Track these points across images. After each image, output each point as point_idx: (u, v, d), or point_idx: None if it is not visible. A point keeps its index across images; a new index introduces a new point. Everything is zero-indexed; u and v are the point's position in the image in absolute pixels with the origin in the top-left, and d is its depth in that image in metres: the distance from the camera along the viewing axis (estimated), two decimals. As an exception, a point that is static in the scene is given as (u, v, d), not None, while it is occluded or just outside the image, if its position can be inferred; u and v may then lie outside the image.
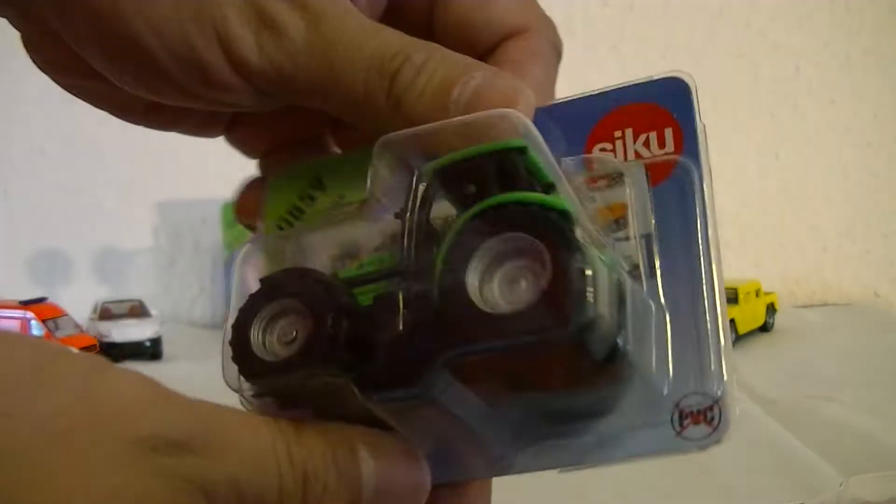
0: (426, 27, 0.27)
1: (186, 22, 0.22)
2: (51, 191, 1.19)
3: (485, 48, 0.26)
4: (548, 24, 0.27)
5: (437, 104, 0.21)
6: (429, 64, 0.21)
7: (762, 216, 1.25)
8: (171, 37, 0.22)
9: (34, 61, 0.26)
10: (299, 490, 0.20)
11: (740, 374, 0.79)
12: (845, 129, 1.25)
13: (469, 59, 0.22)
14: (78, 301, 0.99)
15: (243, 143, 0.30)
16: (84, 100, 0.27)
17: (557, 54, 0.27)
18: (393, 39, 0.22)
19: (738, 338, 0.92)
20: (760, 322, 0.97)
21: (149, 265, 1.22)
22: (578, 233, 0.19)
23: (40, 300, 0.86)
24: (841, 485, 0.51)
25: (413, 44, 0.22)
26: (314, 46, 0.22)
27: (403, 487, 0.22)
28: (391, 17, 0.26)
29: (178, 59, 0.22)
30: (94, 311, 0.98)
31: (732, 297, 0.94)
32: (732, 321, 0.91)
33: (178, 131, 0.29)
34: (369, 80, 0.22)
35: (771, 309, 1.00)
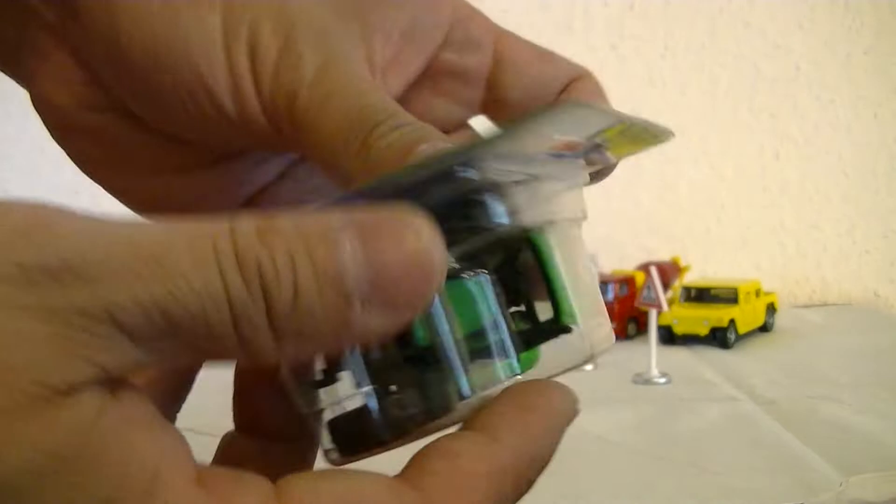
0: (488, 87, 0.28)
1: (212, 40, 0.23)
2: (51, 191, 1.19)
3: (551, 98, 0.27)
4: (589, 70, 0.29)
5: (401, 155, 0.21)
6: (406, 125, 0.22)
7: (762, 216, 1.25)
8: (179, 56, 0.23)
9: (37, 106, 0.26)
10: (258, 299, 0.15)
11: (740, 374, 0.79)
12: (845, 129, 1.25)
13: (439, 133, 0.22)
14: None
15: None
16: (84, 148, 0.27)
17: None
18: (385, 101, 0.23)
19: (739, 338, 0.92)
20: (760, 322, 0.97)
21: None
22: None
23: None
24: (841, 485, 0.51)
25: (400, 109, 0.23)
26: (321, 84, 0.23)
27: (403, 267, 0.16)
28: (450, 77, 0.27)
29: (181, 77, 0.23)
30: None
31: (732, 297, 0.94)
32: (732, 321, 0.91)
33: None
34: (352, 127, 0.22)
35: (771, 309, 1.00)
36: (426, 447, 0.19)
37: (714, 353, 0.89)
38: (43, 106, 0.25)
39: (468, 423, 0.19)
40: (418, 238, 0.16)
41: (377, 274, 0.16)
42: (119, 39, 0.23)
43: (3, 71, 0.26)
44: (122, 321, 0.15)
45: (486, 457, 0.18)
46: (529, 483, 0.19)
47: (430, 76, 0.27)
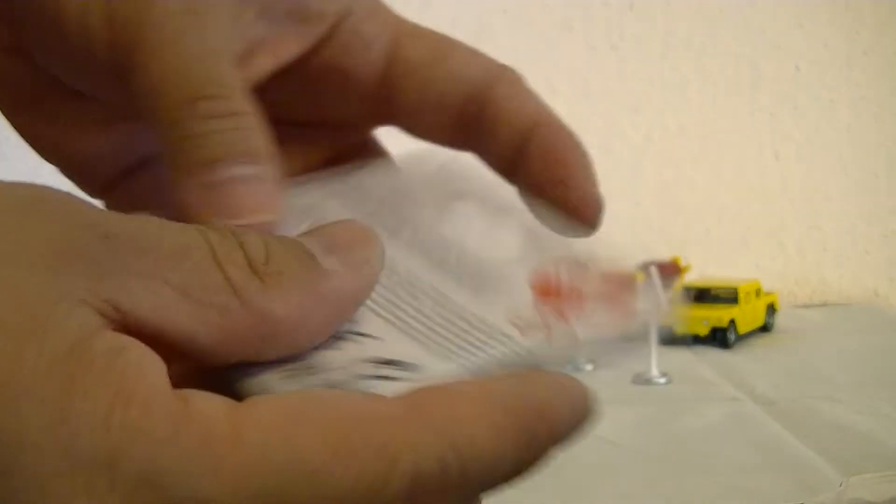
0: (381, 89, 0.25)
1: None
2: (51, 191, 1.19)
3: (451, 106, 0.25)
4: (509, 68, 0.26)
5: (202, 163, 0.20)
6: (227, 124, 0.21)
7: (762, 216, 1.25)
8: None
9: None
10: (236, 249, 0.17)
11: (740, 374, 0.79)
12: (845, 129, 1.25)
13: (253, 146, 0.21)
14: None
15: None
16: None
17: None
18: (226, 77, 0.21)
19: (739, 338, 0.92)
20: (760, 322, 0.97)
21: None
22: None
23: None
24: (841, 485, 0.51)
25: (235, 93, 0.21)
26: (168, 26, 0.21)
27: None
28: (335, 75, 0.25)
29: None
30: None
31: (732, 297, 0.94)
32: (732, 321, 0.91)
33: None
34: (182, 87, 0.21)
35: (771, 309, 1.00)
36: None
37: (714, 353, 0.89)
38: None
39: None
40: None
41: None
42: None
43: None
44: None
45: (483, 393, 0.17)
46: (540, 445, 0.18)
47: (315, 71, 0.25)
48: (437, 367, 0.19)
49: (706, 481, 0.55)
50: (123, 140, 0.25)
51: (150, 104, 0.21)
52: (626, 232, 1.22)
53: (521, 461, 0.17)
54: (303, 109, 0.26)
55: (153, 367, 0.15)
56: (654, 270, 0.80)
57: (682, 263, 1.08)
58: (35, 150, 0.26)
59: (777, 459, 0.57)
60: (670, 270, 1.04)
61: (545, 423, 0.18)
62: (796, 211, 1.25)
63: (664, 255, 1.14)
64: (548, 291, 0.22)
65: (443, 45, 0.25)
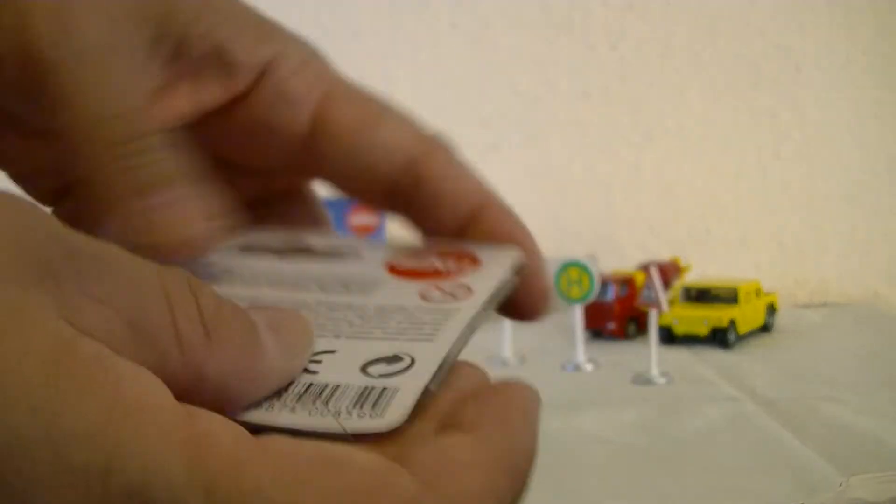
0: (306, 149, 0.25)
1: None
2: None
3: (378, 173, 0.25)
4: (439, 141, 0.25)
5: (136, 210, 0.21)
6: (159, 168, 0.21)
7: (762, 216, 1.25)
8: None
9: None
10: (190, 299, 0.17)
11: (740, 375, 0.79)
12: (845, 129, 1.25)
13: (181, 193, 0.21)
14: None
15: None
16: None
17: None
18: (149, 121, 0.21)
19: (739, 338, 0.92)
20: (760, 322, 0.97)
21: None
22: None
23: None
24: (841, 485, 0.51)
25: (154, 136, 0.21)
26: (92, 54, 0.21)
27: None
28: (260, 130, 0.25)
29: None
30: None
31: (732, 297, 0.94)
32: (732, 321, 0.91)
33: None
34: (109, 125, 0.21)
35: (771, 309, 1.00)
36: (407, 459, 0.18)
37: (714, 353, 0.89)
38: None
39: (449, 422, 0.19)
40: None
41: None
42: None
43: None
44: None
45: (476, 449, 0.18)
46: (524, 475, 0.19)
47: (239, 122, 0.25)
48: (420, 351, 0.20)
49: (706, 481, 0.55)
50: (59, 156, 0.24)
51: (69, 142, 0.21)
52: (627, 232, 1.23)
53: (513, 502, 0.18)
54: (233, 152, 0.26)
55: (146, 377, 0.15)
56: (654, 270, 0.80)
57: (682, 263, 1.08)
58: None
59: (777, 459, 0.57)
60: (670, 270, 1.04)
61: (529, 463, 0.19)
62: (796, 211, 1.25)
63: (664, 255, 1.14)
64: (411, 273, 0.24)
65: (373, 111, 0.25)
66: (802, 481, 0.53)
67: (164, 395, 0.15)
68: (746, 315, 0.94)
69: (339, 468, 0.15)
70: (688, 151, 1.24)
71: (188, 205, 0.21)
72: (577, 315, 0.85)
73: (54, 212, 0.26)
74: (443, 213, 0.24)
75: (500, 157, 1.19)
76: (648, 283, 0.79)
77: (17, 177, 0.26)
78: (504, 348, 0.88)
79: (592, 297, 0.84)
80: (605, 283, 0.94)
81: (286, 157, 0.25)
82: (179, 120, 0.23)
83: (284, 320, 0.19)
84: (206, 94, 0.24)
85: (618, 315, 0.96)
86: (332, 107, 0.24)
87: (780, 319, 1.02)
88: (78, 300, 0.15)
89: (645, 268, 0.85)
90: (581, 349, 0.85)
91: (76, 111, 0.21)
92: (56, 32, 0.21)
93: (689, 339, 0.92)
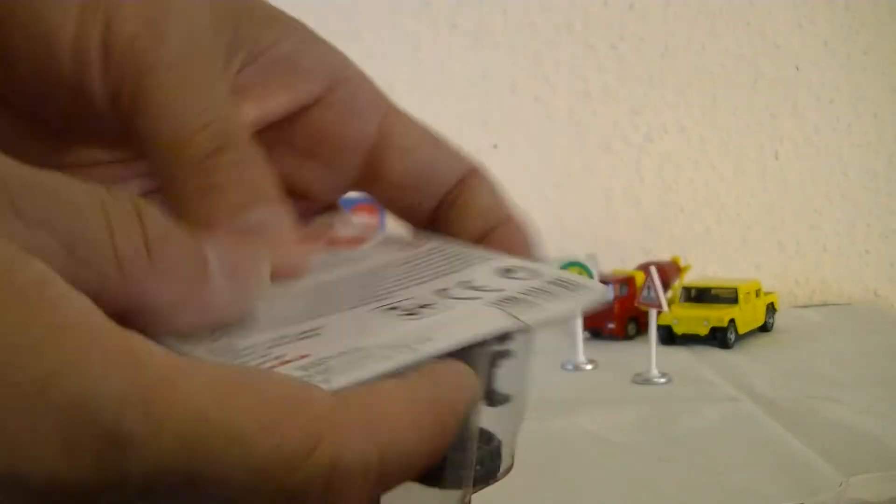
0: (368, 161, 0.26)
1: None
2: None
3: (437, 187, 0.26)
4: (478, 166, 0.27)
5: (228, 211, 0.20)
6: (248, 169, 0.21)
7: (762, 216, 1.25)
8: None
9: None
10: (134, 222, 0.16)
11: (740, 374, 0.79)
12: (845, 129, 1.25)
13: (270, 193, 0.21)
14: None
15: None
16: None
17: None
18: (239, 126, 0.21)
19: (738, 338, 0.92)
20: (760, 322, 0.97)
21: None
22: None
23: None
24: (841, 485, 0.51)
25: (246, 142, 0.21)
26: (180, 69, 0.21)
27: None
28: (327, 139, 0.25)
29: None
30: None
31: (732, 297, 0.94)
32: (732, 321, 0.91)
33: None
34: (196, 134, 0.21)
35: (771, 309, 1.00)
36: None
37: (714, 353, 0.89)
38: None
39: None
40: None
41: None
42: None
43: None
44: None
45: (400, 386, 0.18)
46: (449, 429, 0.18)
47: (305, 132, 0.25)
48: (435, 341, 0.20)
49: (706, 481, 0.55)
50: (119, 177, 0.25)
51: (154, 152, 0.21)
52: (627, 232, 1.23)
53: (434, 452, 0.18)
54: (289, 166, 0.25)
55: (82, 298, 0.15)
56: (654, 270, 0.80)
57: (682, 263, 1.08)
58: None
59: (777, 459, 0.57)
60: (670, 270, 1.04)
61: (455, 417, 0.18)
62: (796, 211, 1.25)
63: (664, 255, 1.14)
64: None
65: (428, 133, 0.26)
66: (802, 481, 0.53)
67: (99, 315, 0.15)
68: (746, 315, 0.94)
69: (263, 382, 0.16)
70: (688, 151, 1.24)
71: (283, 226, 0.21)
72: (577, 315, 0.85)
73: None
74: (470, 223, 0.25)
75: (500, 157, 1.19)
76: (648, 283, 0.79)
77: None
78: (504, 348, 0.88)
79: (592, 297, 0.84)
80: (604, 283, 0.94)
81: (346, 169, 0.26)
82: (248, 127, 0.23)
83: (242, 262, 0.19)
84: (273, 103, 0.24)
85: (618, 315, 0.96)
86: (396, 122, 0.25)
87: (780, 319, 1.02)
88: (10, 225, 0.15)
89: (645, 268, 0.85)
90: (581, 349, 0.85)
91: (164, 121, 0.20)
92: (147, 38, 0.20)
93: (689, 339, 0.92)
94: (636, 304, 0.83)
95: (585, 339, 0.87)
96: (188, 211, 0.20)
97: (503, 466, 0.23)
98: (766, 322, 0.98)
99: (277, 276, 0.20)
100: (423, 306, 0.21)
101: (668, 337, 0.92)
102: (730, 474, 0.55)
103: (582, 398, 0.74)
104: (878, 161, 1.26)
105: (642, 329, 0.92)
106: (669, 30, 1.22)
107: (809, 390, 0.73)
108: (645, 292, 0.80)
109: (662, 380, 0.78)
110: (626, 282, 0.98)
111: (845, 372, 0.79)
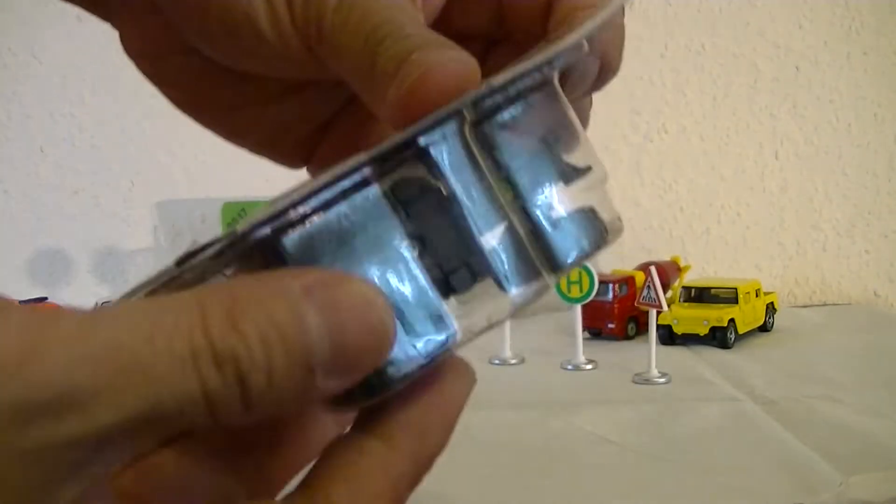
0: None
1: None
2: (51, 191, 1.19)
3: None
4: None
5: (397, 64, 0.21)
6: (411, 36, 0.22)
7: (762, 216, 1.25)
8: None
9: (127, 52, 0.28)
10: (233, 388, 0.16)
11: (740, 374, 0.79)
12: (845, 129, 1.25)
13: (442, 40, 0.22)
14: (78, 301, 0.99)
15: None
16: (171, 94, 0.28)
17: None
18: (400, 14, 0.23)
19: (738, 338, 0.92)
20: (760, 322, 0.97)
21: (149, 265, 1.21)
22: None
23: (40, 300, 0.86)
24: (841, 485, 0.51)
25: (412, 21, 0.23)
26: (343, 5, 0.23)
27: (362, 340, 0.17)
28: None
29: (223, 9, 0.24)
30: (94, 311, 0.97)
31: (732, 297, 0.94)
32: (732, 321, 0.91)
33: (254, 144, 0.30)
34: (367, 43, 0.22)
35: (771, 309, 1.00)
36: (324, 458, 0.19)
37: (714, 353, 0.89)
38: (128, 51, 0.28)
39: (367, 427, 0.20)
40: (373, 308, 0.17)
41: (338, 347, 0.17)
42: None
43: (94, 13, 0.28)
44: (109, 438, 0.15)
45: (386, 467, 0.19)
46: (427, 470, 0.20)
47: None
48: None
49: (706, 481, 0.55)
50: (303, 107, 0.28)
51: (353, 68, 0.23)
52: (627, 232, 1.22)
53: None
54: (467, 21, 0.28)
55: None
56: (654, 270, 0.80)
57: (682, 263, 1.08)
58: (223, 137, 0.29)
59: (777, 459, 0.57)
60: (670, 270, 1.04)
61: (433, 456, 0.20)
62: (796, 211, 1.25)
63: (664, 255, 1.14)
64: None
65: None
66: (802, 481, 0.53)
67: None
68: (746, 315, 0.94)
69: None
70: (688, 151, 1.24)
71: (456, 50, 0.21)
72: (577, 315, 0.85)
73: (311, 174, 0.29)
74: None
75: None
76: (648, 283, 0.79)
77: (262, 146, 0.29)
78: (504, 348, 0.88)
79: (592, 297, 0.84)
80: (604, 283, 0.94)
81: (528, 19, 0.26)
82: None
83: (358, 352, 0.18)
84: None
85: (618, 315, 0.96)
86: None
87: (780, 319, 1.02)
88: None
89: (645, 268, 0.85)
90: (581, 349, 0.85)
91: (352, 37, 0.23)
92: None
93: (689, 339, 0.92)
94: (636, 304, 0.83)
95: (585, 339, 0.87)
96: (377, 86, 0.22)
97: (611, 230, 0.22)
98: (765, 322, 0.98)
99: (456, 86, 0.20)
100: None
101: (668, 337, 0.92)
102: (730, 474, 0.55)
103: (582, 398, 0.74)
104: (878, 161, 1.26)
105: (642, 329, 0.92)
106: (669, 30, 1.22)
107: (809, 390, 0.73)
108: (645, 292, 0.80)
109: (662, 380, 0.78)
110: (626, 282, 0.98)
111: (845, 372, 0.79)
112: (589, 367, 0.85)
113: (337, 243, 0.18)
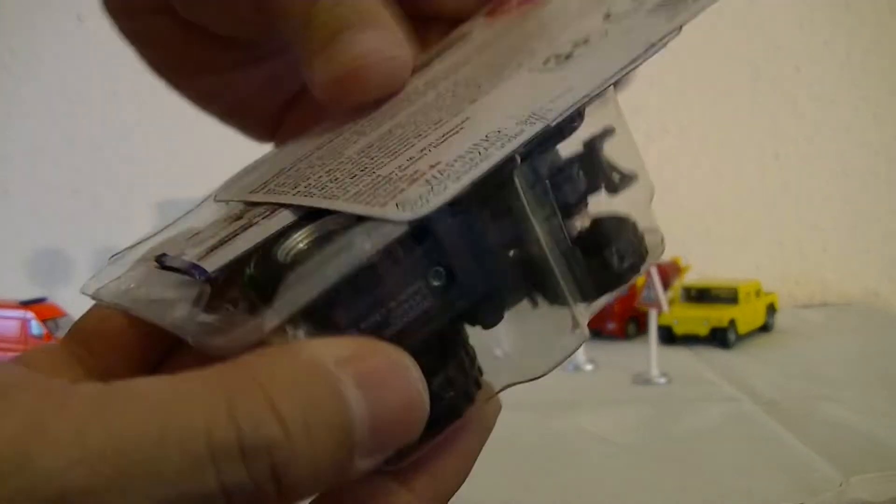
0: None
1: None
2: (51, 191, 1.19)
3: None
4: None
5: (326, 39, 0.22)
6: (343, 4, 0.22)
7: (762, 216, 1.25)
8: None
9: (107, 8, 0.28)
10: (269, 486, 0.15)
11: (740, 375, 0.79)
12: (845, 129, 1.25)
13: (373, 17, 0.23)
14: (78, 301, 0.99)
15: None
16: (146, 54, 0.28)
17: None
18: None
19: (739, 338, 0.92)
20: (760, 322, 0.97)
21: (149, 265, 1.21)
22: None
23: (40, 300, 0.86)
24: (841, 485, 0.51)
25: None
26: None
27: (401, 415, 0.16)
28: None
29: None
30: (94, 311, 0.97)
31: (732, 297, 0.94)
32: (732, 321, 0.91)
33: (219, 110, 0.30)
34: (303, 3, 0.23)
35: (771, 309, 1.00)
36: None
37: (714, 353, 0.89)
38: (108, 8, 0.28)
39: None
40: (411, 384, 0.17)
41: (377, 425, 0.16)
42: None
43: None
44: None
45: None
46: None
47: None
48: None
49: (706, 481, 0.55)
50: (271, 77, 0.29)
51: (287, 25, 0.23)
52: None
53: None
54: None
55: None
56: (654, 270, 0.80)
57: (682, 263, 1.08)
58: (193, 102, 0.29)
59: (777, 459, 0.57)
60: (670, 270, 1.04)
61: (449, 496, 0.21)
62: (796, 211, 1.25)
63: (664, 255, 1.14)
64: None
65: None
66: (802, 481, 0.53)
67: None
68: (746, 315, 0.94)
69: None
70: (688, 151, 1.24)
71: (388, 34, 0.22)
72: (577, 315, 0.85)
73: (276, 145, 0.29)
74: None
75: (500, 157, 1.19)
76: (648, 283, 0.79)
77: (232, 112, 0.30)
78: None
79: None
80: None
81: None
82: None
83: (395, 429, 0.17)
84: None
85: (618, 315, 0.96)
86: None
87: (780, 319, 1.02)
88: None
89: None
90: (581, 349, 0.85)
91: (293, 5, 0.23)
92: None
93: (689, 339, 0.92)
94: (636, 305, 0.83)
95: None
96: (305, 44, 0.22)
97: (653, 246, 0.23)
98: (766, 322, 0.98)
99: (381, 75, 0.22)
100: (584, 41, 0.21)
101: (668, 337, 0.92)
102: (730, 474, 0.55)
103: (582, 398, 0.74)
104: (879, 161, 1.26)
105: (642, 329, 0.92)
106: (669, 30, 1.22)
107: (809, 390, 0.73)
108: (645, 292, 0.80)
109: (662, 380, 0.78)
110: (626, 282, 0.98)
111: (845, 372, 0.79)
112: (589, 367, 0.85)
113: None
